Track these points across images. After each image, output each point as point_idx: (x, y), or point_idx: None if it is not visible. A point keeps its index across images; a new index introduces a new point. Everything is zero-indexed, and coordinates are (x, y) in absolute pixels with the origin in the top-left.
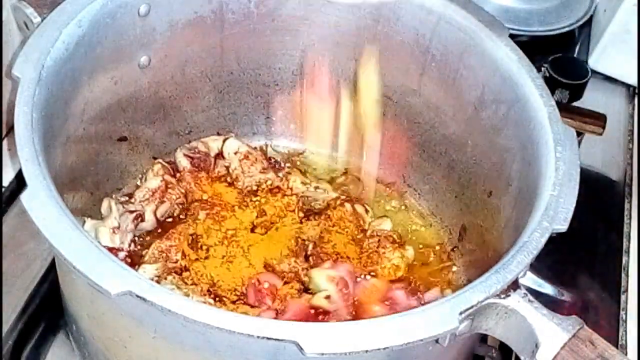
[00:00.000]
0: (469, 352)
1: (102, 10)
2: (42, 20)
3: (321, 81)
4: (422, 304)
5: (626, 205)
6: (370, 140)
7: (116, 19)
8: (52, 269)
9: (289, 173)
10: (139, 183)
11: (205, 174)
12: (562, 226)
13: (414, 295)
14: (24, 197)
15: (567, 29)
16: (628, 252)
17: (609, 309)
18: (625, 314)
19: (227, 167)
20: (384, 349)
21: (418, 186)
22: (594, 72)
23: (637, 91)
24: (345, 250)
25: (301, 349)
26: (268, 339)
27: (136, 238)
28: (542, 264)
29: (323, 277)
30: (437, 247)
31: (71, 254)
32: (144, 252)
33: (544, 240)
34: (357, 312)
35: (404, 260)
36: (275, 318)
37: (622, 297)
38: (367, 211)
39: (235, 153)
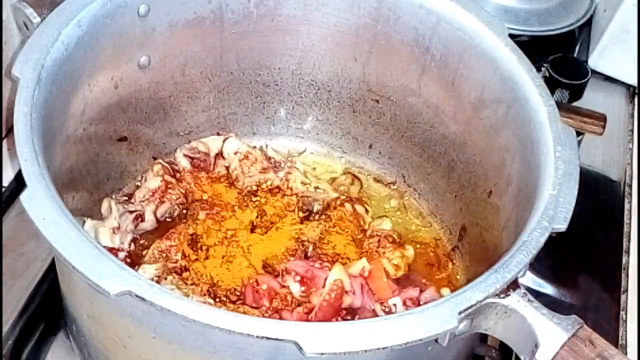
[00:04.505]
0: (468, 352)
1: (102, 10)
2: (42, 21)
3: None
4: (419, 305)
5: (626, 205)
6: None
7: (116, 19)
8: (52, 269)
9: (289, 173)
10: (139, 183)
11: (205, 174)
12: (562, 226)
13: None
14: (24, 197)
15: (567, 29)
16: (628, 252)
17: (609, 309)
18: (625, 314)
19: (227, 167)
20: (384, 348)
21: (418, 186)
22: (594, 72)
23: (637, 91)
24: (345, 251)
25: (301, 348)
26: (268, 338)
27: (136, 238)
28: (542, 264)
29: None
30: (437, 247)
31: (71, 254)
32: (144, 252)
33: (543, 239)
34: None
35: (404, 260)
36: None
37: (622, 297)
38: (367, 211)
39: (235, 153)
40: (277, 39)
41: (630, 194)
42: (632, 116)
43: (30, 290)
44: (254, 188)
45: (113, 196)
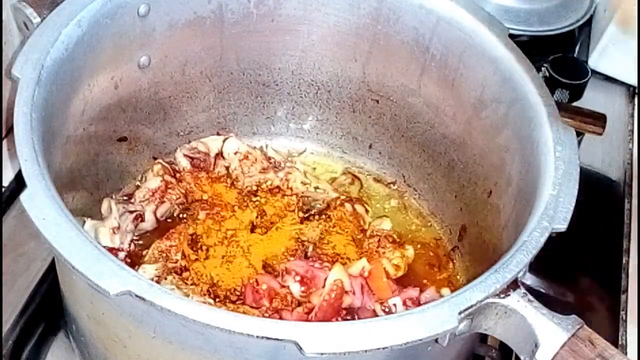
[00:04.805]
0: (468, 351)
1: (102, 10)
2: (42, 21)
3: None
4: (419, 305)
5: (626, 205)
6: None
7: (116, 19)
8: (52, 269)
9: (289, 173)
10: (139, 183)
11: (205, 174)
12: (562, 226)
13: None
14: (24, 197)
15: (567, 29)
16: (628, 252)
17: (609, 309)
18: (625, 314)
19: (227, 167)
20: (384, 348)
21: (418, 186)
22: (594, 72)
23: (637, 91)
24: (345, 251)
25: (301, 348)
26: (268, 338)
27: (136, 238)
28: (542, 264)
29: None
30: (437, 247)
31: (71, 254)
32: (144, 252)
33: (543, 239)
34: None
35: (404, 260)
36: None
37: (622, 297)
38: (367, 211)
39: (235, 153)
40: (277, 39)
41: (630, 194)
42: (632, 116)
43: (30, 290)
44: (254, 188)
45: (113, 196)
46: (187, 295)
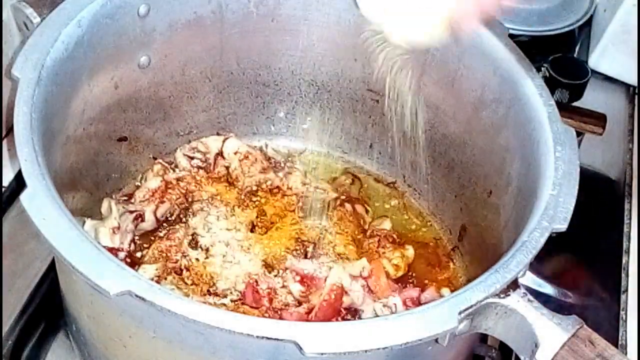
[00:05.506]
0: (468, 351)
1: (102, 10)
2: (42, 20)
3: None
4: (419, 305)
5: (626, 205)
6: None
7: (116, 19)
8: (52, 269)
9: (289, 173)
10: (139, 183)
11: (205, 174)
12: (562, 226)
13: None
14: (24, 197)
15: (567, 29)
16: (628, 252)
17: (609, 309)
18: (625, 314)
19: (227, 167)
20: (384, 348)
21: (418, 186)
22: (594, 72)
23: (637, 91)
24: (345, 251)
25: (300, 348)
26: (268, 338)
27: (136, 238)
28: (542, 264)
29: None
30: (437, 247)
31: (71, 254)
32: (144, 252)
33: (543, 239)
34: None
35: (404, 260)
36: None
37: (622, 297)
38: (367, 211)
39: (235, 153)
40: (277, 39)
41: (630, 194)
42: (632, 116)
43: (30, 290)
44: (254, 188)
45: (113, 196)
46: (187, 295)
